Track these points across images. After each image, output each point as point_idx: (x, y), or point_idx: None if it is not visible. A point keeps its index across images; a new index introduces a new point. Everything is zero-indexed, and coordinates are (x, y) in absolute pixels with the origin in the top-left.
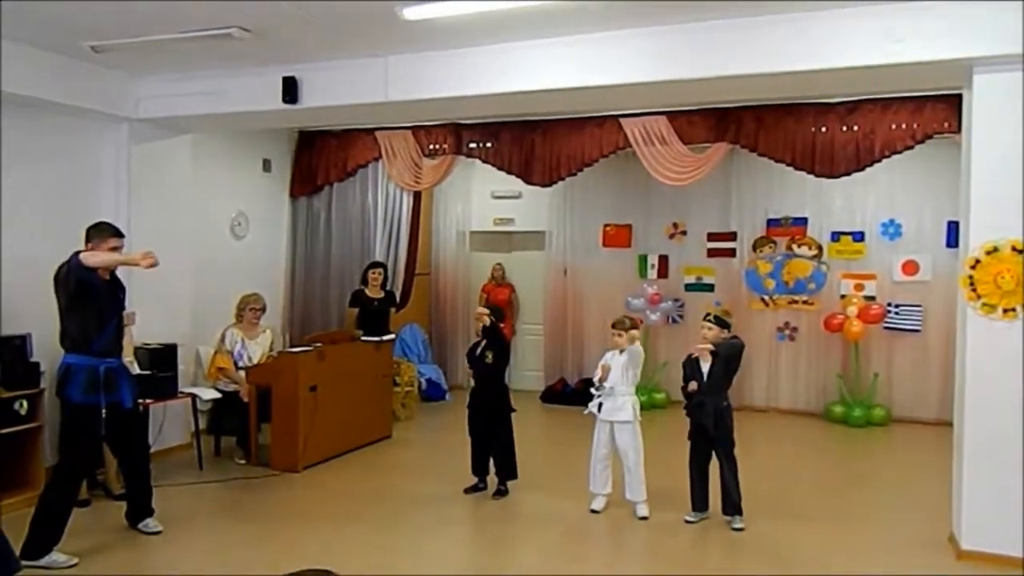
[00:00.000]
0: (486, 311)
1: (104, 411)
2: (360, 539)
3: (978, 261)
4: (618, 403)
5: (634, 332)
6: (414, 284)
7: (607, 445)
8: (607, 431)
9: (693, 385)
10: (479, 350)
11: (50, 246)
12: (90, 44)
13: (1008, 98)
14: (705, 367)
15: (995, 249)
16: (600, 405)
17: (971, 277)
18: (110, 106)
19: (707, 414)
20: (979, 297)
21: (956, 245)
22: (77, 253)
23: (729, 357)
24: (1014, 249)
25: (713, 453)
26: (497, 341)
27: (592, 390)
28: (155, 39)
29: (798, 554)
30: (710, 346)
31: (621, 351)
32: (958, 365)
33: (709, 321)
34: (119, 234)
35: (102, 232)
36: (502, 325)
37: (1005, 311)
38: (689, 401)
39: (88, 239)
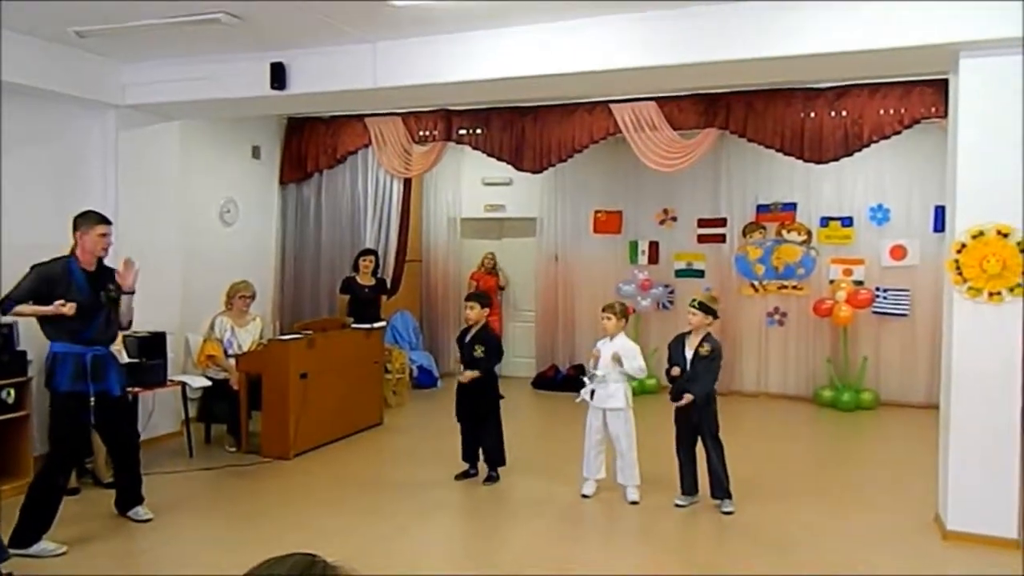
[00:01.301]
0: (473, 374)
1: (93, 399)
2: (351, 525)
3: (964, 245)
4: (610, 390)
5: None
6: (405, 271)
7: (600, 431)
8: (600, 418)
9: (676, 370)
10: (468, 338)
11: (37, 233)
12: (74, 29)
13: (994, 83)
14: (689, 352)
15: (981, 233)
16: (592, 392)
17: (957, 261)
18: (96, 93)
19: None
20: (965, 281)
21: (943, 230)
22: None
23: (714, 359)
24: (999, 233)
25: (699, 437)
26: (493, 343)
27: (584, 378)
28: (141, 24)
29: (786, 536)
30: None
31: (612, 338)
32: (944, 348)
33: (694, 307)
34: (106, 221)
35: (89, 220)
36: (488, 312)
37: (991, 294)
38: (673, 385)
39: (75, 228)
